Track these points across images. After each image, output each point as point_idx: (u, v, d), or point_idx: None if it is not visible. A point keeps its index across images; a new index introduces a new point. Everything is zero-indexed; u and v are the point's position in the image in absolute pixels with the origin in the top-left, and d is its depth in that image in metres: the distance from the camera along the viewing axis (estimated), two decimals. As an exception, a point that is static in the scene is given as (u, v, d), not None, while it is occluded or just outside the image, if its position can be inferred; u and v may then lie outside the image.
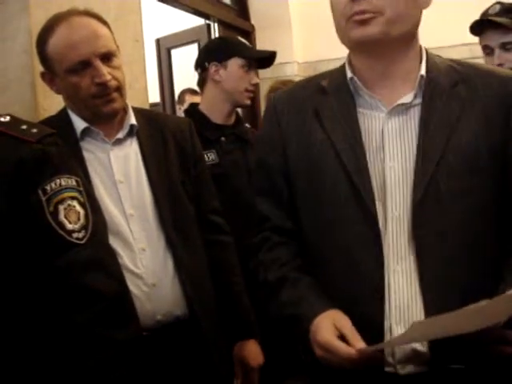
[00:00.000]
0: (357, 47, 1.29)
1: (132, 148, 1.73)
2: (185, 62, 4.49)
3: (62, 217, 1.17)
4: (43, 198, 1.15)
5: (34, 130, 1.20)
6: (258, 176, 1.47)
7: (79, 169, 1.28)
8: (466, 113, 1.27)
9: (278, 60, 5.47)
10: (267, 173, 1.43)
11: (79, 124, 1.69)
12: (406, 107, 1.29)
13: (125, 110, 1.76)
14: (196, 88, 3.81)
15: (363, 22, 1.23)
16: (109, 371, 1.17)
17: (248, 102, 2.46)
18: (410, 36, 1.30)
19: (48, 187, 1.16)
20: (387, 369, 1.26)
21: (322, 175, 1.32)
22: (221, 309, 1.88)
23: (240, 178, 2.38)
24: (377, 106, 1.30)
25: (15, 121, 1.22)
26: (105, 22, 1.70)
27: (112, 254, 1.29)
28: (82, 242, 1.18)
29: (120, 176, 1.68)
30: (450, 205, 1.23)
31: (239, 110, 2.80)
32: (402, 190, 1.26)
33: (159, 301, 1.64)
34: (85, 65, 1.61)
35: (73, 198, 1.19)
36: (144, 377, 1.28)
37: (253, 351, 1.99)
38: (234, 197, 2.11)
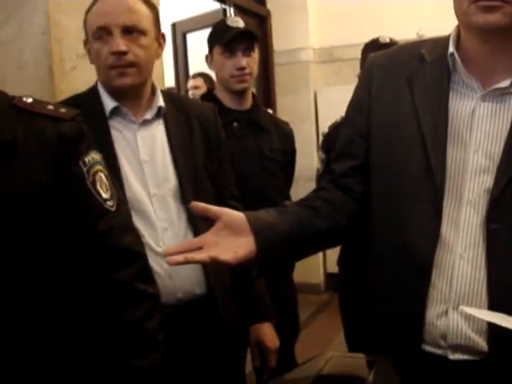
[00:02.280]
0: (476, 32, 1.25)
1: (159, 129, 1.74)
2: (200, 46, 4.49)
3: (98, 186, 1.27)
4: (84, 170, 1.26)
5: (63, 110, 1.28)
6: (341, 136, 1.46)
7: (108, 147, 1.41)
8: None
9: (293, 45, 5.52)
10: (350, 133, 1.42)
11: (108, 102, 1.70)
12: (501, 93, 1.24)
13: (153, 92, 1.77)
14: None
15: (489, 9, 1.18)
16: (146, 321, 1.28)
17: (238, 86, 2.34)
18: None
19: (86, 160, 1.27)
20: (437, 351, 1.26)
21: (399, 144, 1.30)
22: (237, 292, 1.89)
23: (249, 165, 2.36)
24: (472, 87, 1.26)
25: (39, 102, 1.28)
26: (151, 4, 1.72)
27: (132, 222, 1.40)
28: (113, 209, 1.29)
29: (145, 156, 1.70)
30: None
31: (255, 94, 2.75)
32: (481, 177, 1.23)
33: (180, 279, 1.66)
34: (108, 33, 1.63)
35: (101, 171, 1.30)
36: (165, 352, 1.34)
37: (269, 334, 2.00)
38: (240, 184, 2.11)
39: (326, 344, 3.78)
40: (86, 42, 1.73)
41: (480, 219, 1.22)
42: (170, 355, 1.39)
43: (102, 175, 1.30)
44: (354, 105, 1.44)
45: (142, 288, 1.29)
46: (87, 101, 1.70)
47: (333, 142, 2.72)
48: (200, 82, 4.39)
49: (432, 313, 1.24)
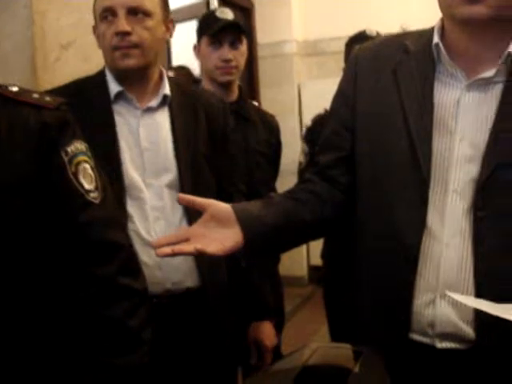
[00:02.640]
0: (460, 24, 1.25)
1: (163, 117, 1.73)
2: (183, 38, 4.47)
3: (81, 177, 1.24)
4: (66, 159, 1.23)
5: (48, 99, 1.26)
6: (326, 128, 1.46)
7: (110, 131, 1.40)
8: None
9: (277, 38, 5.52)
10: (335, 125, 1.42)
11: (114, 87, 1.70)
12: (486, 82, 1.24)
13: (160, 78, 1.76)
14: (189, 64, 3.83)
15: (473, 1, 1.18)
16: (129, 318, 1.25)
17: (223, 78, 2.30)
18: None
19: (69, 149, 1.24)
20: (424, 340, 1.27)
21: (385, 135, 1.31)
22: (238, 288, 1.90)
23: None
24: (456, 77, 1.27)
25: (24, 90, 1.27)
26: None
27: (121, 215, 1.40)
28: (97, 201, 1.25)
29: (146, 143, 1.69)
30: None
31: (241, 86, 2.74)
32: (467, 166, 1.23)
33: (170, 271, 1.66)
34: (113, 15, 1.63)
35: (85, 161, 1.27)
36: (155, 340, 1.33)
37: (267, 332, 2.02)
38: None
39: (310, 336, 3.81)
40: (94, 28, 1.73)
41: (466, 207, 1.22)
42: (158, 347, 1.39)
43: (87, 166, 1.27)
44: (339, 97, 1.45)
45: (126, 283, 1.26)
46: (93, 84, 1.71)
47: (316, 134, 2.76)
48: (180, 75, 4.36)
49: (419, 302, 1.25)
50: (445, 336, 1.24)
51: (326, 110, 2.79)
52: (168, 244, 1.15)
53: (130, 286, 1.26)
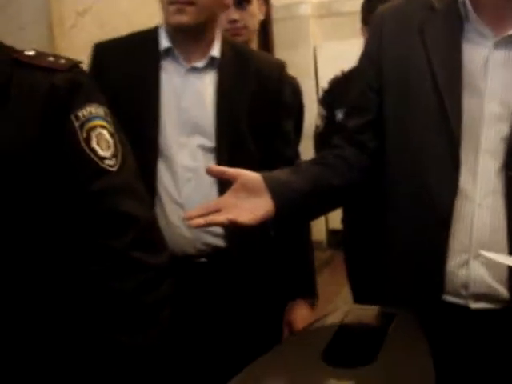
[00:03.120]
0: None
1: (209, 79, 1.70)
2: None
3: (94, 143, 1.18)
4: (76, 124, 1.16)
5: (62, 61, 1.20)
6: (352, 92, 1.45)
7: (105, 100, 1.26)
8: None
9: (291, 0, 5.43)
10: (362, 87, 1.40)
11: (163, 42, 1.69)
12: None
13: (210, 39, 1.71)
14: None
15: None
16: (143, 294, 1.19)
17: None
18: None
19: (80, 114, 1.17)
20: (458, 301, 1.26)
21: (414, 95, 1.29)
22: (280, 264, 1.84)
23: None
24: (484, 34, 1.25)
25: (40, 54, 1.22)
26: None
27: (141, 184, 1.28)
28: (114, 169, 1.18)
29: (187, 103, 1.67)
30: None
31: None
32: (498, 125, 1.22)
33: (199, 230, 1.63)
34: None
35: (102, 126, 1.20)
36: (179, 305, 1.30)
37: (301, 314, 1.85)
38: None
39: (331, 299, 3.82)
40: None
41: (498, 167, 1.21)
42: (191, 308, 1.38)
43: (104, 131, 1.20)
44: (365, 58, 1.42)
45: (139, 257, 1.17)
46: (145, 39, 1.70)
47: (333, 97, 2.73)
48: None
49: (453, 263, 1.24)
50: (479, 296, 1.24)
51: (342, 72, 2.75)
52: (199, 216, 1.15)
53: (143, 260, 1.18)
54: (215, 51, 1.70)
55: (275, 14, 5.27)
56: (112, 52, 1.71)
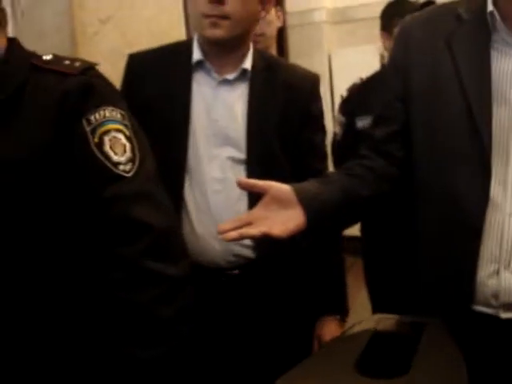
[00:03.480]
0: None
1: (240, 91, 1.69)
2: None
3: (107, 148, 1.15)
4: (88, 129, 1.14)
5: (77, 64, 1.19)
6: (379, 102, 1.45)
7: (125, 104, 1.24)
8: None
9: (306, 6, 5.44)
10: (388, 97, 1.41)
11: (196, 54, 1.68)
12: None
13: (243, 52, 1.70)
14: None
15: None
16: (158, 306, 1.15)
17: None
18: None
19: (92, 117, 1.14)
20: (488, 311, 1.26)
21: (443, 108, 1.29)
22: (312, 278, 1.81)
23: None
24: None
25: (57, 58, 1.21)
26: None
27: (162, 191, 1.25)
28: (129, 174, 1.15)
29: (217, 115, 1.67)
30: None
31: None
32: None
33: (228, 242, 1.61)
34: None
35: (118, 130, 1.17)
36: (207, 319, 1.28)
37: (329, 331, 1.81)
38: None
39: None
40: None
41: None
42: (222, 320, 1.36)
43: (120, 135, 1.17)
44: (391, 69, 1.43)
45: (153, 267, 1.13)
46: (178, 50, 1.70)
47: (352, 104, 2.72)
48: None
49: (483, 272, 1.24)
50: (509, 306, 1.22)
51: (361, 80, 2.74)
52: (232, 229, 1.14)
53: (157, 270, 1.13)
54: (247, 64, 1.70)
55: (290, 21, 5.28)
56: (146, 63, 1.71)
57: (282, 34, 5.15)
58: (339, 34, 5.38)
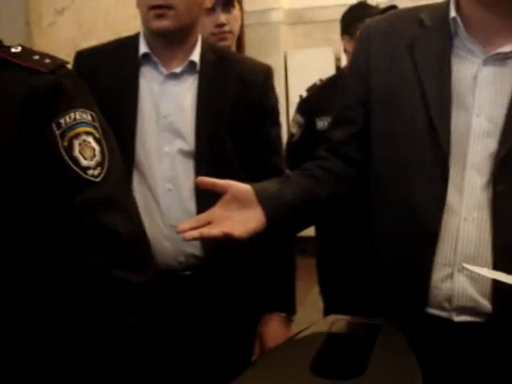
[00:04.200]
0: None
1: (189, 84, 1.66)
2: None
3: (76, 152, 1.12)
4: (57, 132, 1.10)
5: (47, 61, 1.13)
6: (339, 104, 1.45)
7: (94, 103, 1.21)
8: None
9: (263, 6, 5.45)
10: (348, 100, 1.41)
11: (142, 48, 1.64)
12: (504, 57, 1.24)
13: (191, 44, 1.67)
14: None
15: None
16: (124, 314, 1.14)
17: (219, 45, 2.20)
18: None
19: (62, 120, 1.10)
20: (441, 314, 1.27)
21: (403, 112, 1.30)
22: (260, 274, 1.78)
23: None
24: (474, 51, 1.26)
25: (26, 51, 1.15)
26: None
27: (129, 194, 1.24)
28: (98, 179, 1.12)
29: (165, 110, 1.63)
30: None
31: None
32: (484, 142, 1.24)
33: (179, 242, 1.58)
34: None
35: (88, 133, 1.14)
36: (160, 320, 1.27)
37: (273, 328, 1.77)
38: None
39: (297, 305, 3.82)
40: None
41: (484, 182, 1.23)
42: (172, 323, 1.34)
43: (89, 138, 1.14)
44: (352, 72, 1.43)
45: (120, 275, 1.12)
46: (125, 45, 1.67)
47: (312, 105, 2.73)
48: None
49: (437, 276, 1.25)
50: (462, 310, 1.25)
51: (321, 80, 2.76)
52: (191, 229, 1.12)
53: (125, 278, 1.13)
54: (195, 56, 1.67)
55: (247, 20, 5.28)
56: (92, 60, 1.67)
57: (239, 33, 5.15)
58: (295, 34, 5.42)
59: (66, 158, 1.10)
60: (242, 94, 1.70)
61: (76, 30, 2.19)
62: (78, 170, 1.11)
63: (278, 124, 1.84)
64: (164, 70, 1.65)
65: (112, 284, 1.12)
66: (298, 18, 5.40)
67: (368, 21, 1.45)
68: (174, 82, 1.65)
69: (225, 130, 1.67)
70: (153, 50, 1.64)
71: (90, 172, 1.12)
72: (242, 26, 5.26)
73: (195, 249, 1.64)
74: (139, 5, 1.62)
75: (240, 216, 1.18)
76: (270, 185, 1.28)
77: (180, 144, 1.64)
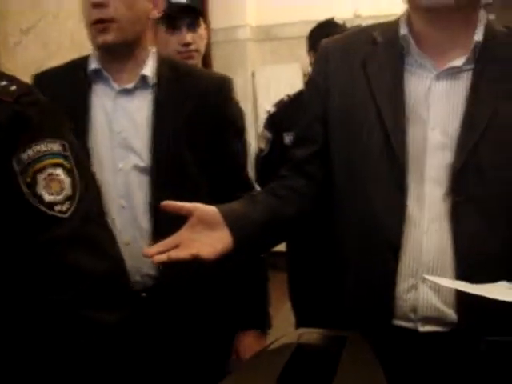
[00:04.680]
0: (425, 13, 1.27)
1: (143, 100, 1.63)
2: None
3: (40, 188, 1.04)
4: (17, 169, 1.02)
5: (13, 88, 1.06)
6: (300, 123, 1.47)
7: (69, 130, 1.14)
8: None
9: (230, 23, 5.49)
10: (308, 119, 1.43)
11: (93, 64, 1.62)
12: (456, 71, 1.28)
13: (141, 58, 1.64)
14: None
15: None
16: (94, 357, 1.10)
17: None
18: (475, 3, 1.28)
19: (24, 155, 1.03)
20: (407, 325, 1.29)
21: (359, 128, 1.32)
22: (235, 292, 1.79)
23: None
24: (426, 67, 1.29)
25: None
26: None
27: (104, 227, 1.17)
28: (66, 215, 1.06)
29: (118, 127, 1.60)
30: (490, 176, 1.24)
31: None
32: (441, 154, 1.26)
33: (133, 260, 1.52)
34: None
35: (56, 164, 1.06)
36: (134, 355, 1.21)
37: (249, 343, 1.79)
38: None
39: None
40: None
41: (443, 193, 1.25)
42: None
43: (58, 170, 1.06)
44: (311, 90, 1.46)
45: (89, 315, 1.07)
46: (78, 65, 1.65)
47: (279, 120, 2.76)
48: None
49: (402, 287, 1.27)
50: (427, 320, 1.27)
51: (288, 96, 2.79)
52: (159, 252, 1.13)
53: (92, 318, 1.07)
54: (146, 70, 1.64)
55: (214, 38, 5.30)
56: (47, 82, 1.65)
57: (206, 50, 5.17)
58: (263, 51, 5.46)
59: (29, 195, 1.02)
60: (199, 106, 1.66)
61: (41, 51, 2.18)
62: (42, 207, 1.03)
63: (241, 137, 1.83)
64: (116, 86, 1.62)
65: (78, 324, 1.07)
66: (265, 35, 5.45)
67: (324, 41, 1.47)
68: (126, 97, 1.63)
69: (183, 145, 1.64)
70: (103, 65, 1.62)
71: (57, 208, 1.05)
72: (208, 44, 5.30)
73: (150, 268, 1.61)
74: (84, 22, 1.59)
75: (207, 238, 1.19)
76: (236, 205, 1.29)
77: (135, 160, 1.61)
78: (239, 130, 1.83)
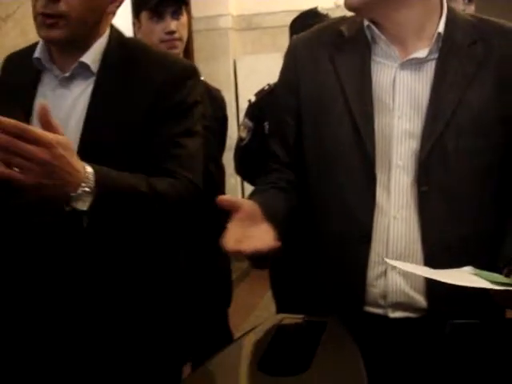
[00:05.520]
0: (354, 12, 1.31)
1: (83, 89, 1.48)
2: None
3: None
4: None
5: None
6: (272, 117, 1.49)
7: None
8: (481, 73, 1.28)
9: (212, 12, 5.48)
10: (279, 113, 1.46)
11: (37, 52, 1.48)
12: (419, 61, 1.30)
13: (88, 46, 1.48)
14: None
15: None
16: None
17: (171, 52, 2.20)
18: None
19: None
20: (377, 311, 1.32)
21: (329, 119, 1.35)
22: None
23: None
24: (391, 56, 1.31)
25: None
26: None
27: None
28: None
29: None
30: (456, 164, 1.27)
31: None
32: (408, 143, 1.29)
33: None
34: None
35: None
36: None
37: None
38: None
39: (251, 308, 3.85)
40: None
41: (410, 181, 1.28)
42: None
43: None
44: (283, 85, 1.48)
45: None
46: (30, 50, 1.51)
47: (261, 110, 2.76)
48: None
49: (372, 274, 1.30)
50: (397, 306, 1.29)
51: (269, 85, 2.79)
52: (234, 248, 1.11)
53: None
54: (86, 58, 1.47)
55: (195, 26, 5.29)
56: (14, 63, 1.58)
57: (187, 39, 5.15)
58: (244, 40, 5.45)
59: None
60: (150, 94, 1.47)
61: (20, 38, 2.17)
62: None
63: (188, 121, 1.54)
64: (60, 74, 1.49)
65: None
66: (247, 24, 5.44)
67: (294, 37, 1.50)
68: (67, 86, 1.50)
69: (117, 138, 1.45)
70: (49, 52, 1.49)
71: None
72: (190, 32, 5.30)
73: None
74: (32, 9, 1.44)
75: (255, 231, 1.16)
76: (266, 199, 1.30)
77: None
78: (185, 113, 1.54)
